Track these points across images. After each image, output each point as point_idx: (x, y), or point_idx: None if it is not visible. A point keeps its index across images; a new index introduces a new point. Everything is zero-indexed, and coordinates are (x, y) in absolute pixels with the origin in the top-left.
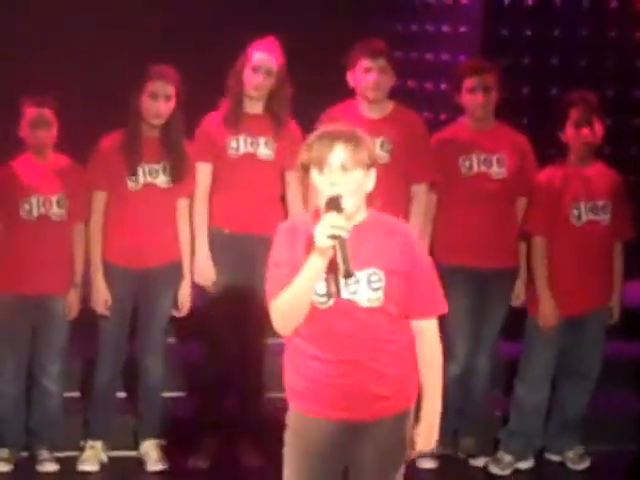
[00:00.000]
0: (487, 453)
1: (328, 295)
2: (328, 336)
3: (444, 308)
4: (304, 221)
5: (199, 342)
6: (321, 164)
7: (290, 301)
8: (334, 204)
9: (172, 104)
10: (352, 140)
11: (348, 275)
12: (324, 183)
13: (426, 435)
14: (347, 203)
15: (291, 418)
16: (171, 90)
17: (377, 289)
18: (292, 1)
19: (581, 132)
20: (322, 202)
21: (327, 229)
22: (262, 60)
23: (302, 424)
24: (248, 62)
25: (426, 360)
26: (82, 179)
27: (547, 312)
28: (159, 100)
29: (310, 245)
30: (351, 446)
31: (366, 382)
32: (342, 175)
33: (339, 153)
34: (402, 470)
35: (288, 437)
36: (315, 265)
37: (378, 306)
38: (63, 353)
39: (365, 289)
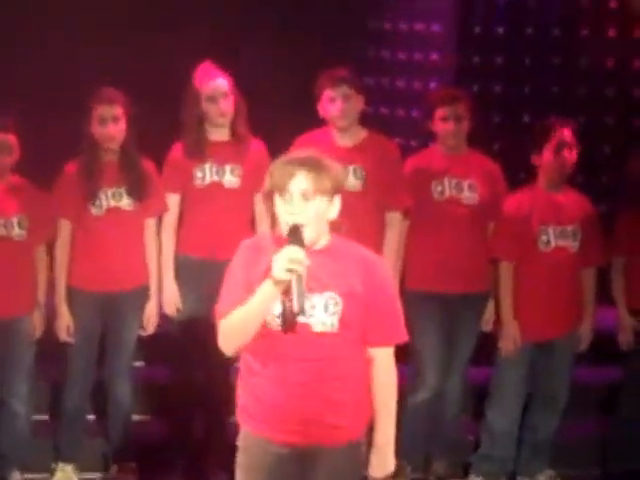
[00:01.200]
0: (458, 477)
1: (282, 324)
2: (277, 357)
3: (403, 337)
4: (268, 242)
5: (166, 365)
6: (282, 191)
7: (239, 322)
8: (296, 236)
9: (122, 125)
10: (315, 168)
11: (300, 312)
12: (285, 211)
13: (380, 462)
14: (307, 232)
15: (241, 438)
16: (118, 111)
17: (333, 314)
18: (269, 24)
19: (561, 155)
20: (284, 229)
21: (286, 263)
22: (214, 88)
23: (251, 444)
24: (202, 96)
25: (381, 387)
26: (41, 200)
27: (509, 337)
28: (108, 124)
29: (268, 270)
30: (302, 473)
31: (316, 407)
32: (303, 204)
33: (300, 181)
34: None
35: (239, 458)
36: (268, 292)
37: (331, 331)
38: (30, 373)
39: (321, 313)
